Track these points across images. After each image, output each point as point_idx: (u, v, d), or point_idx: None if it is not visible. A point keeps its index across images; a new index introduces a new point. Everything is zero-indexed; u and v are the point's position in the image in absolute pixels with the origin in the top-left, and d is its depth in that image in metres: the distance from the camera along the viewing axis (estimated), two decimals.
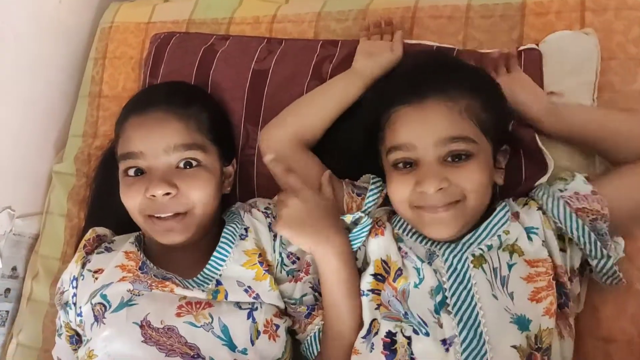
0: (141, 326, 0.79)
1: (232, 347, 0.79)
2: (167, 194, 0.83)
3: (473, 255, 0.76)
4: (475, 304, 0.72)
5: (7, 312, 1.18)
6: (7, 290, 1.17)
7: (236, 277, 0.85)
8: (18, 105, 1.16)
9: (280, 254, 0.88)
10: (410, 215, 0.78)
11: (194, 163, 0.86)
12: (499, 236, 0.77)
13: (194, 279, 0.84)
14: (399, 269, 0.78)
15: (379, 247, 0.82)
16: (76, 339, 0.90)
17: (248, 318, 0.82)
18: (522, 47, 0.94)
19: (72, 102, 1.26)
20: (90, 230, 0.96)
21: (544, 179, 0.85)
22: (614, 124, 0.84)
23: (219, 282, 0.84)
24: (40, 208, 1.22)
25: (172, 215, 0.84)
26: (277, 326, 0.84)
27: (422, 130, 0.75)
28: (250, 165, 1.00)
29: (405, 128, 0.76)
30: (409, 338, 0.73)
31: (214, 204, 0.89)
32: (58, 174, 1.21)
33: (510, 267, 0.75)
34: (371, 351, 0.76)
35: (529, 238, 0.77)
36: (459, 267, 0.75)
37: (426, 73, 0.80)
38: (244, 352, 0.80)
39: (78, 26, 1.28)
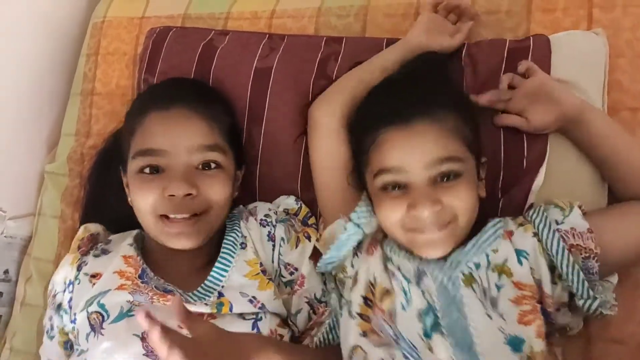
0: (142, 338, 0.76)
1: None
2: (188, 194, 0.80)
3: (463, 274, 0.74)
4: (468, 324, 0.71)
5: (0, 316, 1.15)
6: (0, 294, 1.14)
7: (239, 288, 0.82)
8: (8, 104, 1.13)
9: (279, 264, 0.86)
10: (404, 238, 0.76)
11: (213, 165, 0.84)
12: (487, 255, 0.76)
13: (195, 292, 0.81)
14: (385, 290, 0.76)
15: (369, 267, 0.80)
16: (71, 345, 0.87)
17: (252, 329, 0.79)
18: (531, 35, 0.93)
19: (64, 100, 1.22)
20: (82, 229, 0.92)
21: (539, 180, 0.85)
22: (629, 153, 0.81)
23: (220, 294, 0.81)
24: (33, 209, 1.18)
25: (188, 217, 0.81)
26: (281, 336, 0.82)
27: (411, 153, 0.74)
28: (253, 165, 0.98)
29: (394, 151, 0.74)
30: None
31: (228, 207, 0.87)
32: (50, 174, 1.17)
33: (499, 288, 0.74)
34: None
35: (519, 261, 0.75)
36: (449, 286, 0.74)
37: (409, 93, 0.79)
38: None
39: (69, 21, 1.24)
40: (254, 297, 0.81)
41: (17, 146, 1.16)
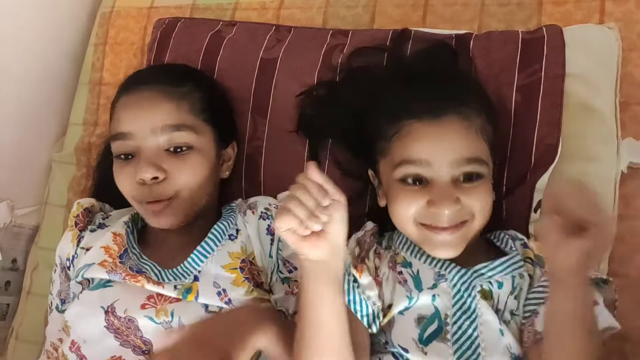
0: (106, 312, 0.79)
1: None
2: (155, 178, 0.81)
3: (481, 286, 0.73)
4: (477, 336, 0.70)
5: (8, 305, 1.16)
6: (7, 283, 1.15)
7: (214, 278, 0.82)
8: (16, 94, 1.13)
9: (277, 259, 0.85)
10: (415, 232, 0.74)
11: (185, 147, 0.83)
12: (514, 277, 0.74)
13: (173, 270, 0.83)
14: (388, 305, 0.75)
15: None
16: None
17: None
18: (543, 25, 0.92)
19: (72, 89, 1.22)
20: (75, 205, 0.94)
21: (544, 178, 0.84)
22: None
23: (196, 278, 0.82)
24: (40, 199, 1.19)
25: (159, 201, 0.82)
26: None
27: (439, 148, 0.72)
28: (258, 156, 0.98)
29: (421, 144, 0.73)
30: None
31: (207, 188, 0.86)
32: (58, 164, 1.18)
33: (513, 315, 0.73)
34: None
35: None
36: (466, 295, 0.73)
37: (440, 87, 0.77)
38: None
39: (77, 11, 1.24)
40: (224, 289, 0.81)
41: (25, 136, 1.16)
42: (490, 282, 0.74)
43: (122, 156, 0.84)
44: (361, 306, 0.74)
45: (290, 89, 0.96)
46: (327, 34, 1.00)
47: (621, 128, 0.86)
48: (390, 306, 0.75)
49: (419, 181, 0.73)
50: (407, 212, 0.73)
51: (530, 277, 0.75)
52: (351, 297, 0.74)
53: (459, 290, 0.73)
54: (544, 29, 0.90)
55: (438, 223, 0.72)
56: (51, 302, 0.94)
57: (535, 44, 0.89)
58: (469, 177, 0.72)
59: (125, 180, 0.84)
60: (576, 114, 0.86)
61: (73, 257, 0.90)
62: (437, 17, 1.00)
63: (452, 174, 0.72)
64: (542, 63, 0.87)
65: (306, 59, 0.98)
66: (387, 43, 0.95)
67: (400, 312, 0.73)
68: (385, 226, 0.84)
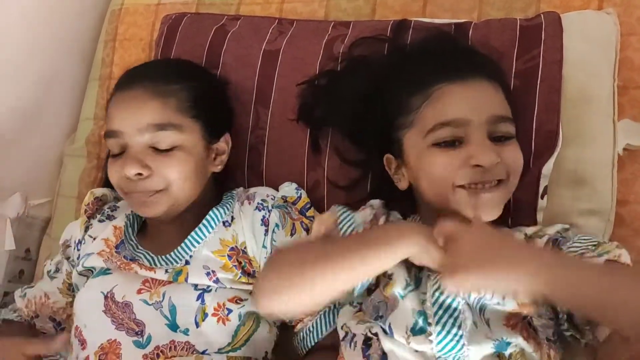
0: (105, 297, 0.83)
1: (173, 327, 0.80)
2: (139, 174, 0.83)
3: None
4: (462, 336, 0.68)
5: None
6: (21, 271, 1.18)
7: (204, 261, 0.84)
8: (28, 89, 1.16)
9: (271, 250, 0.86)
10: (455, 198, 0.72)
11: (167, 145, 0.85)
12: None
13: (166, 256, 0.85)
14: (388, 275, 0.74)
15: None
16: (73, 289, 0.95)
17: (197, 299, 0.81)
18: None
19: (83, 85, 1.26)
20: (88, 194, 0.99)
21: (549, 164, 0.84)
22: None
23: (187, 262, 0.85)
24: (52, 191, 1.22)
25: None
26: (230, 310, 0.82)
27: (475, 106, 0.73)
28: (261, 146, 0.99)
29: (456, 104, 0.73)
30: (375, 334, 0.73)
31: (194, 183, 0.87)
32: (69, 157, 1.21)
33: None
34: (354, 349, 0.76)
35: None
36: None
37: (462, 53, 0.80)
38: (186, 332, 0.80)
39: (88, 8, 1.27)
40: (212, 270, 0.83)
41: (38, 132, 1.19)
42: None
43: (116, 150, 0.86)
44: None
45: (293, 79, 0.97)
46: (328, 26, 1.02)
47: (620, 112, 0.86)
48: (391, 276, 0.73)
49: (453, 143, 0.73)
50: (446, 173, 0.73)
51: None
52: None
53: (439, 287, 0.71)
54: (542, 16, 0.91)
55: (479, 179, 0.71)
56: (47, 267, 0.99)
57: (533, 31, 0.89)
58: (500, 138, 0.74)
59: (113, 175, 0.86)
60: (573, 98, 0.86)
61: (80, 241, 0.94)
62: (437, 7, 1.01)
63: (487, 130, 0.73)
64: (540, 49, 0.88)
65: (308, 50, 0.99)
66: (388, 33, 0.96)
67: (401, 297, 0.72)
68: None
